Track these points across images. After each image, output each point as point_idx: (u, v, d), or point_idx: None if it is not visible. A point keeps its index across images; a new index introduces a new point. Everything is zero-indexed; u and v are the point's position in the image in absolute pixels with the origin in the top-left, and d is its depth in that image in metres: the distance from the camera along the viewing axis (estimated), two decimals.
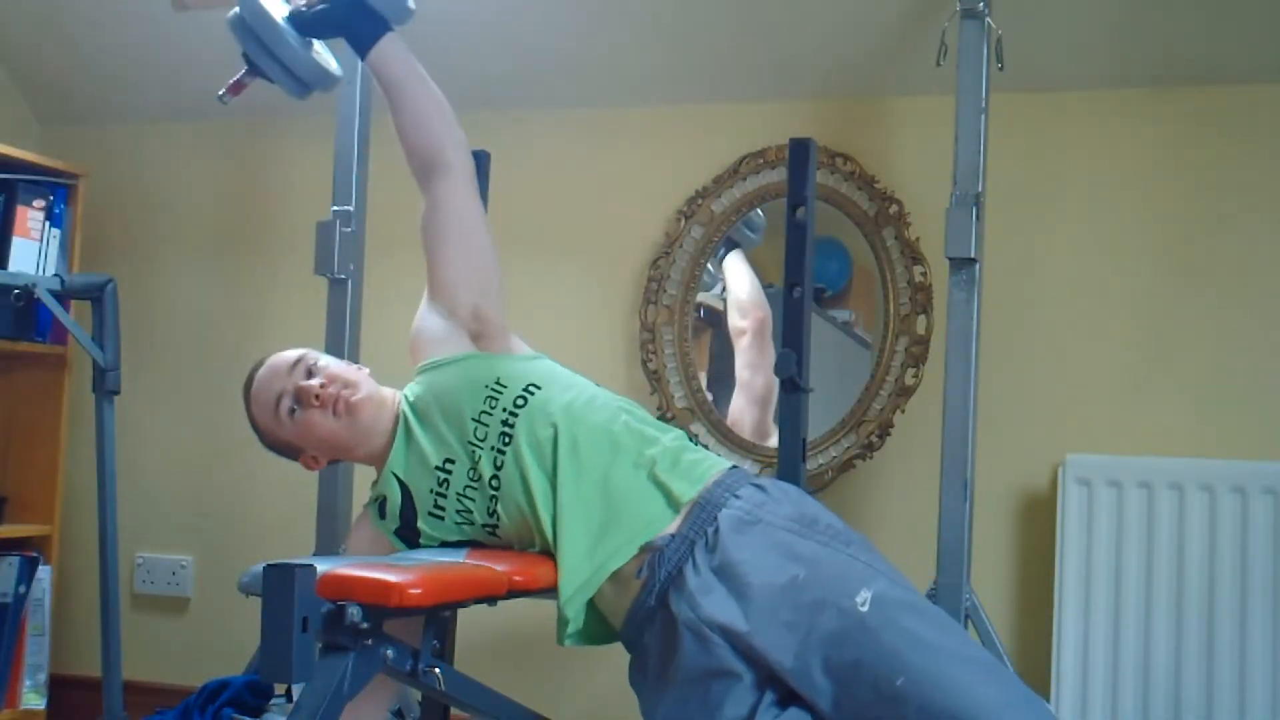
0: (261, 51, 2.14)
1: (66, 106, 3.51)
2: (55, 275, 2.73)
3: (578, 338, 3.04)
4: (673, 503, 1.92)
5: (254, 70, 2.19)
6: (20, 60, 3.44)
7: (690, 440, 2.06)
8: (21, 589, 3.02)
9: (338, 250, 2.83)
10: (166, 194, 3.46)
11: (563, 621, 1.92)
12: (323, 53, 2.23)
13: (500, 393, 2.01)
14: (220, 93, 2.23)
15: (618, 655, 2.01)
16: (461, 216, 2.19)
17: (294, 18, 2.15)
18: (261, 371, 2.10)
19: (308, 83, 2.20)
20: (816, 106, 2.96)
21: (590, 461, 1.94)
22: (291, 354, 2.09)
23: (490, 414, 1.99)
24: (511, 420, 1.97)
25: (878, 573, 1.86)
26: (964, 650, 1.81)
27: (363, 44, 2.17)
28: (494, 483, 1.96)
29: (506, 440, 1.97)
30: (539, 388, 2.02)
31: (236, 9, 2.14)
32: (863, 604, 1.79)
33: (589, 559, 1.90)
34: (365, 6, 2.14)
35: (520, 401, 2.00)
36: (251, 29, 2.13)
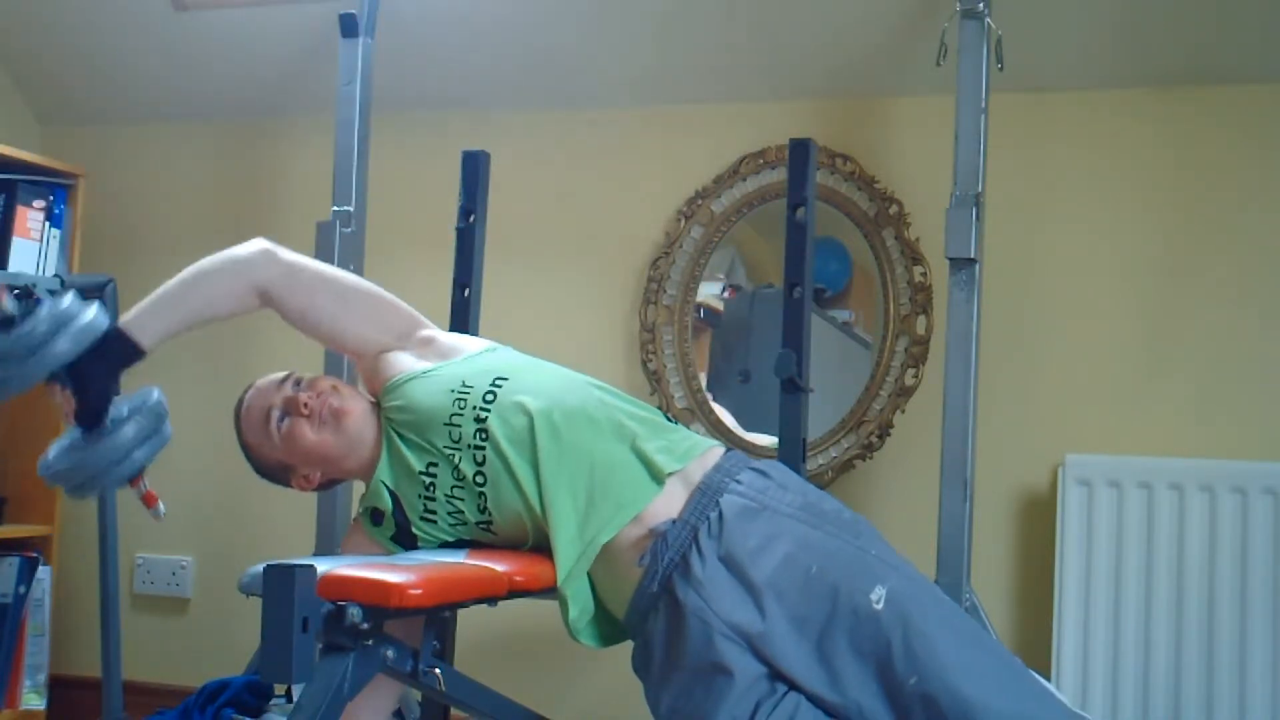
0: (108, 477, 1.90)
1: (66, 106, 3.51)
2: (55, 275, 2.74)
3: (578, 338, 3.04)
4: (655, 474, 1.92)
5: (138, 476, 1.96)
6: (20, 60, 3.44)
7: (667, 419, 2.06)
8: (21, 589, 3.02)
9: (338, 250, 2.83)
10: (166, 194, 3.46)
11: (563, 603, 1.91)
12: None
13: (467, 393, 2.00)
14: (158, 512, 2.02)
15: (617, 656, 2.01)
16: (310, 300, 2.06)
17: (81, 424, 1.88)
18: (250, 393, 2.11)
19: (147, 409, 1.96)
20: (816, 106, 2.96)
21: (571, 441, 1.94)
22: (279, 373, 2.11)
23: (461, 415, 1.99)
24: (484, 416, 1.97)
25: (890, 567, 1.86)
26: (976, 650, 1.82)
27: (130, 358, 1.96)
28: (479, 479, 1.96)
29: (483, 436, 1.96)
30: (505, 379, 2.02)
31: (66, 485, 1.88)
32: (877, 601, 1.80)
33: (580, 537, 1.90)
34: (95, 355, 1.87)
35: (489, 396, 1.99)
36: (91, 480, 1.90)
